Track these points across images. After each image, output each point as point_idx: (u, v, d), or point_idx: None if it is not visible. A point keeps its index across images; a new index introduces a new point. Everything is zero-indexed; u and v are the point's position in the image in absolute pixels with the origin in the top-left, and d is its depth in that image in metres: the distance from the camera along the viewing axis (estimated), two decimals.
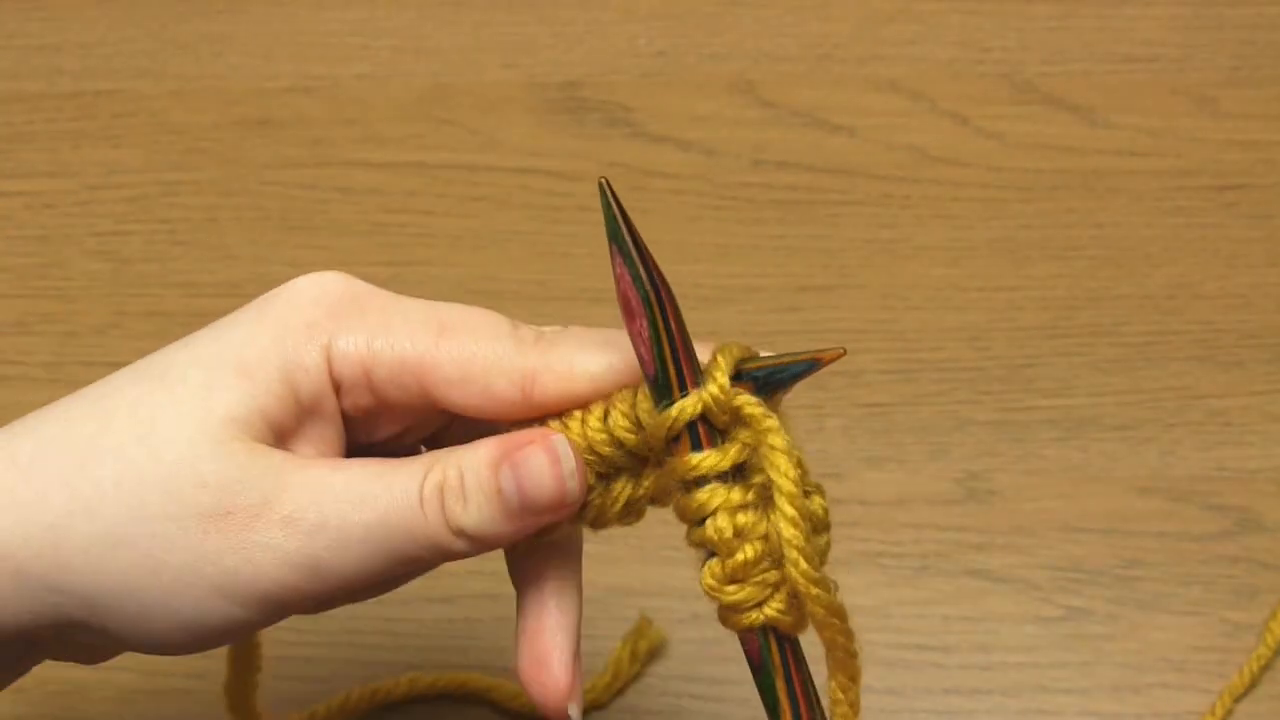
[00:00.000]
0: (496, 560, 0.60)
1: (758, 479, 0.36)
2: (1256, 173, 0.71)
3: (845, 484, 0.62)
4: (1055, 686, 0.57)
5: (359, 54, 0.78)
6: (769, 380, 0.37)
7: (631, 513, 0.39)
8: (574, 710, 0.38)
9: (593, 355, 0.37)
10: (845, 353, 0.37)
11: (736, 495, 0.36)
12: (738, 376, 0.36)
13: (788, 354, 0.37)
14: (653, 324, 0.35)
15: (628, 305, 0.35)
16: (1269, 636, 0.57)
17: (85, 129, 0.76)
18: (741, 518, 0.36)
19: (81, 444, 0.36)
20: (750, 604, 0.36)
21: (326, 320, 0.37)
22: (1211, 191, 0.71)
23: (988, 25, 0.77)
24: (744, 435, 0.36)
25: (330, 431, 0.38)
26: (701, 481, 0.36)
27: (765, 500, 0.36)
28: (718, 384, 0.36)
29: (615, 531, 0.59)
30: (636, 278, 0.35)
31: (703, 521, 0.36)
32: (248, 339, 0.37)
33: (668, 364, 0.35)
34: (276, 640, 0.53)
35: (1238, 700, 0.56)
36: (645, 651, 0.57)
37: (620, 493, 0.38)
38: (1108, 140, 0.73)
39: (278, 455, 0.36)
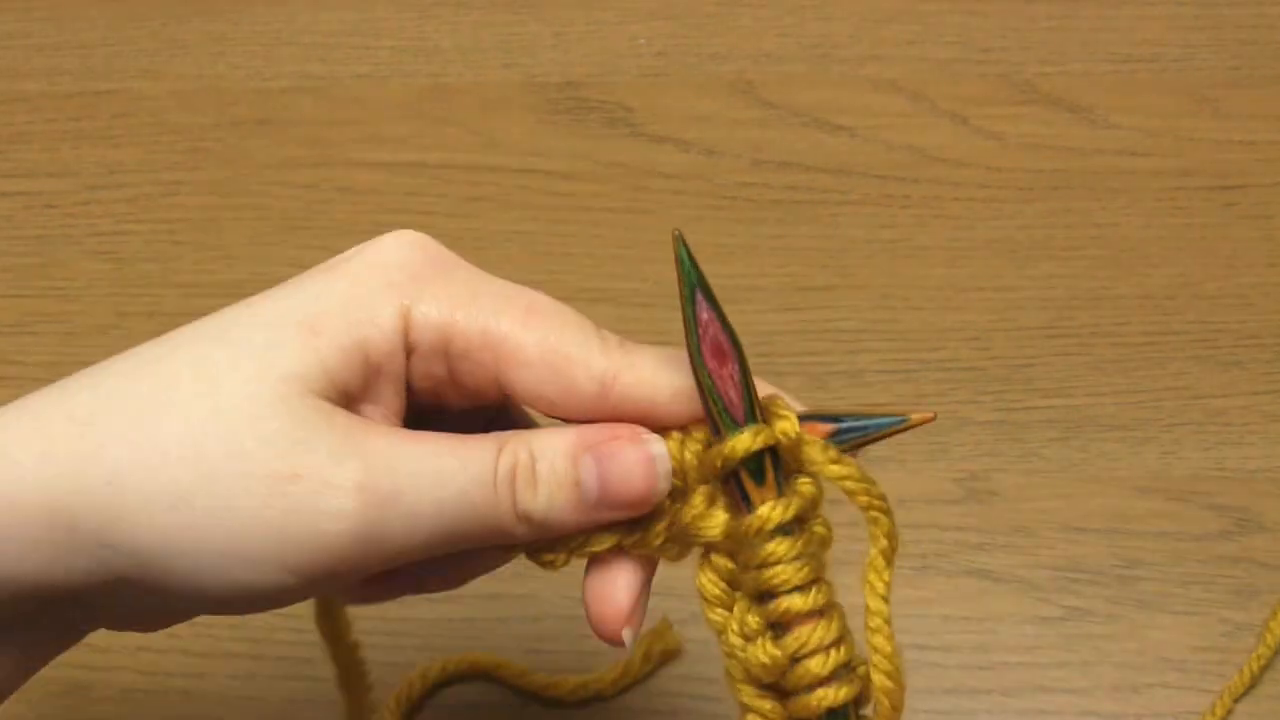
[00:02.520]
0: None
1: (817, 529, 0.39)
2: (1256, 173, 0.71)
3: None
4: (1055, 686, 0.57)
5: (359, 54, 0.78)
6: (851, 431, 0.37)
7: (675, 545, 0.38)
8: (627, 634, 0.37)
9: (674, 371, 0.36)
10: (935, 417, 0.39)
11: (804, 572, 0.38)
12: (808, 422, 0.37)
13: (866, 410, 0.38)
14: (743, 368, 0.35)
15: (718, 349, 0.36)
16: (1269, 636, 0.57)
17: (85, 129, 0.76)
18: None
19: (142, 399, 0.35)
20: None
21: (409, 283, 0.37)
22: (1211, 191, 0.71)
23: (988, 25, 0.77)
24: (803, 485, 0.37)
25: (394, 398, 0.37)
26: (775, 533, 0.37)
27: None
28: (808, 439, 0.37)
29: None
30: (725, 322, 0.35)
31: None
32: (317, 295, 0.36)
33: (755, 409, 0.36)
34: (274, 640, 0.53)
35: (1238, 700, 0.56)
36: (659, 653, 0.57)
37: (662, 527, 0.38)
38: (1108, 140, 0.73)
39: (346, 416, 0.35)
